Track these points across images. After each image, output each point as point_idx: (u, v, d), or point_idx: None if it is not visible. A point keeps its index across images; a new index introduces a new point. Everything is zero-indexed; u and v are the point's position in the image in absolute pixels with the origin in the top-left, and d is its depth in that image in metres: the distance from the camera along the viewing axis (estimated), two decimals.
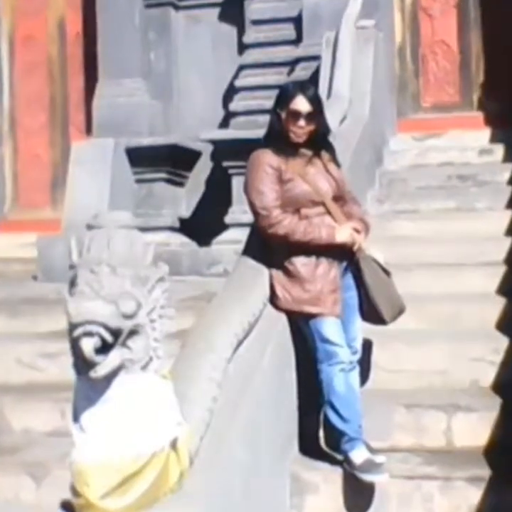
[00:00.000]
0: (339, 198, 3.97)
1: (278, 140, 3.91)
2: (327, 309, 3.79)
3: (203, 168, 8.34)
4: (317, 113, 3.90)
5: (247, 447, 3.33)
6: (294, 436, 3.99)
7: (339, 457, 3.81)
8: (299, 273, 3.82)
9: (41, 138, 9.23)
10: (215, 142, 7.82)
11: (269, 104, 4.30)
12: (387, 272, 3.98)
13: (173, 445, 2.71)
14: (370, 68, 6.80)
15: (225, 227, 7.37)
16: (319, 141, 3.97)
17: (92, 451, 2.60)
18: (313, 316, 3.80)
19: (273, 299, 3.87)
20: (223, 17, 8.46)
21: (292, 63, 7.63)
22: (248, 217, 4.32)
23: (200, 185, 8.38)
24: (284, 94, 3.93)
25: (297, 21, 7.71)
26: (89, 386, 2.62)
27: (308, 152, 3.93)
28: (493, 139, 7.26)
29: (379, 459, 3.69)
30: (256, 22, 7.97)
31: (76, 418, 2.66)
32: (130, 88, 8.40)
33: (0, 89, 9.35)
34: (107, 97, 8.32)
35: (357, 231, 3.90)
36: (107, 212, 2.90)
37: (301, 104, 3.85)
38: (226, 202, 7.40)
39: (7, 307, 5.76)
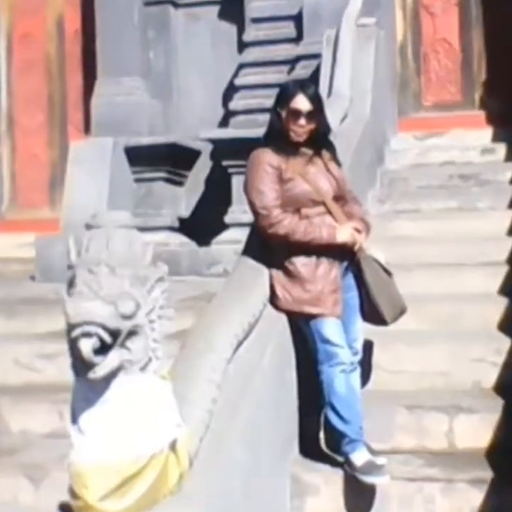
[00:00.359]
0: (340, 197, 3.94)
1: (278, 139, 3.88)
2: (328, 310, 3.76)
3: (202, 168, 8.31)
4: (317, 112, 3.87)
5: (247, 448, 3.31)
6: (295, 437, 3.97)
7: (340, 459, 3.79)
8: (299, 273, 3.79)
9: (39, 137, 9.20)
10: (214, 141, 7.80)
11: (269, 102, 4.28)
12: (388, 272, 3.95)
13: (173, 446, 2.69)
14: (371, 66, 6.78)
15: (224, 226, 7.34)
16: (320, 140, 3.94)
17: (91, 452, 2.58)
18: (313, 316, 3.78)
19: (273, 299, 3.85)
20: (223, 15, 8.44)
21: (292, 62, 7.62)
22: (248, 217, 4.29)
23: (200, 185, 8.35)
24: (285, 93, 3.91)
25: (297, 19, 7.70)
26: (87, 387, 2.59)
27: (309, 151, 3.91)
28: (495, 138, 7.24)
29: (380, 460, 3.67)
30: (256, 20, 7.96)
31: (74, 419, 2.65)
32: (129, 87, 8.38)
33: None
34: (105, 96, 8.29)
35: (358, 231, 3.87)
36: (105, 212, 2.88)
37: (301, 102, 3.82)
38: (226, 201, 7.37)
39: (5, 307, 5.74)
